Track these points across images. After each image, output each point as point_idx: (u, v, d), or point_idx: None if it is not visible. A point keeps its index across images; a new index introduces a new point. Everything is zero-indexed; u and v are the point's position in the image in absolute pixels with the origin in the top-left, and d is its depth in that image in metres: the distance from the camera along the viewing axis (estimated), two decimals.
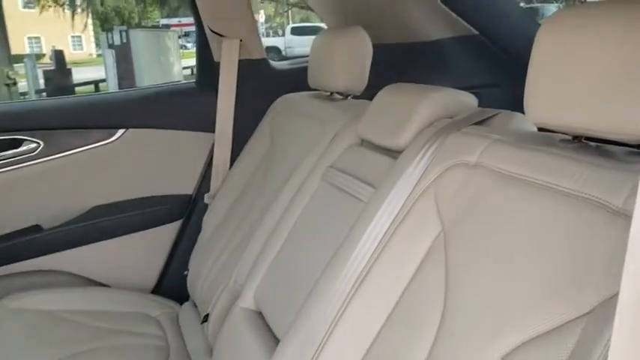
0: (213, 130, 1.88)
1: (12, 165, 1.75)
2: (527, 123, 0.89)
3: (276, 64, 2.04)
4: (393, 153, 1.13)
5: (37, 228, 1.80)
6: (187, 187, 1.94)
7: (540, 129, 0.85)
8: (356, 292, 0.95)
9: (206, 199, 1.88)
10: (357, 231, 1.00)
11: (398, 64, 1.87)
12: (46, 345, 1.42)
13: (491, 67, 1.88)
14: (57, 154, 1.79)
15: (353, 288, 0.95)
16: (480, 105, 1.16)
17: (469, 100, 1.16)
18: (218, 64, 1.87)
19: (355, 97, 1.55)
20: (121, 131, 1.85)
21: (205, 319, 1.52)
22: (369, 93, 1.34)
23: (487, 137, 0.92)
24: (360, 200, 1.13)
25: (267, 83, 1.94)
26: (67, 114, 1.82)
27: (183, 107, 1.92)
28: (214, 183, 1.89)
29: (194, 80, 2.08)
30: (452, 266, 0.85)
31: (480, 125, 1.04)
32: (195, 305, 1.69)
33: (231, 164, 1.86)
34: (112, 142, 1.84)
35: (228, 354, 1.24)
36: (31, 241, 1.77)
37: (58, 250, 1.80)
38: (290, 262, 1.27)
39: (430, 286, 0.87)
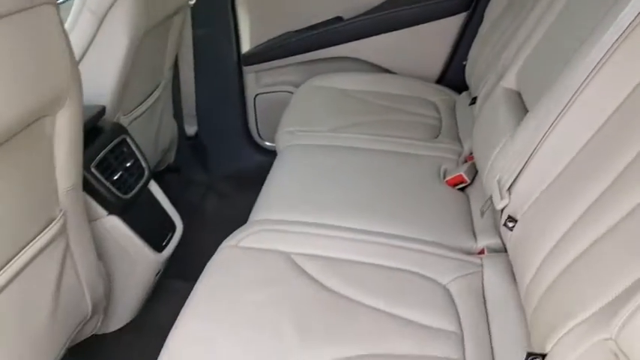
0: None
1: None
2: None
3: None
4: None
5: (338, 19, 2.03)
6: None
7: None
8: (592, 80, 0.89)
9: None
10: (607, 20, 0.90)
11: None
12: (338, 113, 1.69)
13: None
14: None
15: (590, 75, 0.89)
16: None
17: None
18: None
19: None
20: None
21: (473, 101, 1.58)
22: None
23: None
24: None
25: None
26: None
27: None
28: None
29: None
30: None
31: None
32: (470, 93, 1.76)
33: None
34: None
35: (485, 125, 1.30)
36: (333, 31, 2.03)
37: (355, 39, 2.02)
38: (549, 46, 1.22)
39: None
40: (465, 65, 1.84)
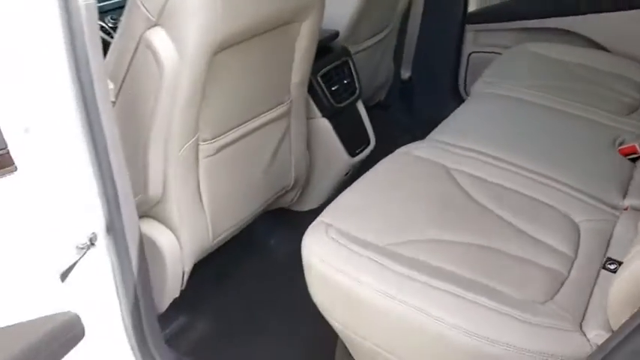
0: None
1: None
2: None
3: None
4: None
5: None
6: None
7: None
8: None
9: None
10: None
11: None
12: (537, 74, 1.81)
13: None
14: None
15: None
16: None
17: None
18: None
19: None
20: None
21: None
22: None
23: None
24: None
25: None
26: None
27: None
28: None
29: None
30: None
31: None
32: None
33: None
34: None
35: None
36: (557, 2, 2.10)
37: (575, 14, 2.06)
38: None
39: None
40: None
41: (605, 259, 1.05)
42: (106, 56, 1.13)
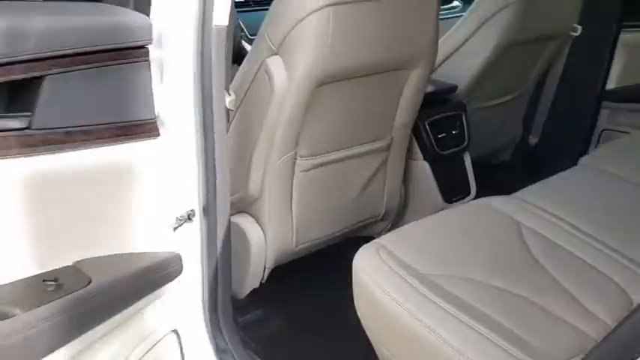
0: None
1: None
2: None
3: None
4: None
5: None
6: None
7: None
8: None
9: None
10: None
11: None
12: None
13: None
14: None
15: None
16: None
17: None
18: None
19: None
20: None
21: None
22: None
23: None
24: None
25: None
26: None
27: None
28: None
29: None
30: None
31: None
32: None
33: None
34: None
35: None
36: None
37: None
38: None
39: None
40: None
41: None
42: (240, 67, 1.40)
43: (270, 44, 1.29)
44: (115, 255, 1.12)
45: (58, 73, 0.92)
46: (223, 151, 1.18)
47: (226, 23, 1.08)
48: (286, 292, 1.72)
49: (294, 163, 1.44)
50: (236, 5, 2.21)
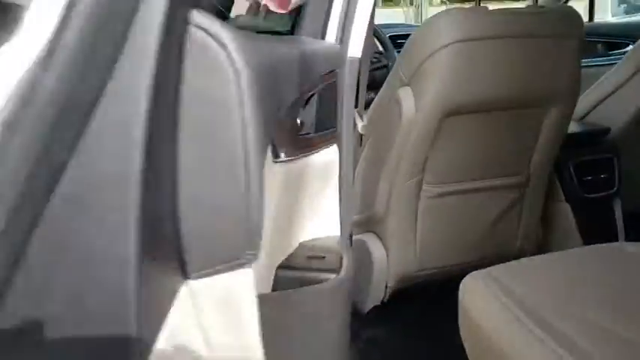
0: None
1: None
2: None
3: None
4: None
5: None
6: None
7: None
8: None
9: None
10: None
11: None
12: None
13: None
14: None
15: None
16: None
17: None
18: None
19: None
20: None
21: None
22: None
23: None
24: None
25: None
26: None
27: None
28: None
29: None
30: None
31: None
32: None
33: None
34: None
35: None
36: None
37: None
38: None
39: None
40: None
41: None
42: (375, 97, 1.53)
43: (402, 77, 1.41)
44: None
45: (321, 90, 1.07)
46: (350, 169, 1.31)
47: (359, 55, 1.22)
48: (406, 317, 1.77)
49: (421, 188, 1.51)
50: (395, 46, 2.37)
